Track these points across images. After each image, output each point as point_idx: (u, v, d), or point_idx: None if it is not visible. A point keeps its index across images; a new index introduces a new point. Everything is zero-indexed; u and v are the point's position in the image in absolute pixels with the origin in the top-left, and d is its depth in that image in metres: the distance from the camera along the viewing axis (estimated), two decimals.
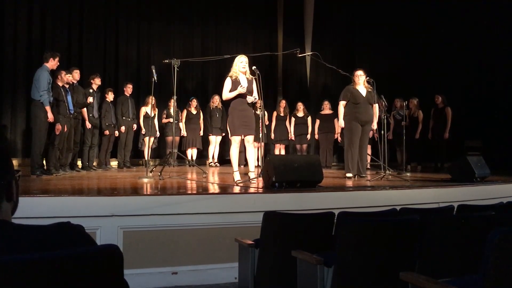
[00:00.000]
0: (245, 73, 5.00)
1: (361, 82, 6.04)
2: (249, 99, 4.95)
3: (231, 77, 4.97)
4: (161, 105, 9.26)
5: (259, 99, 5.11)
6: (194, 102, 9.27)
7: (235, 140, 4.97)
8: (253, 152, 5.12)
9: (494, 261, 1.42)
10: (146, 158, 7.28)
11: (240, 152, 5.46)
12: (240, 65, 4.98)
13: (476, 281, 1.55)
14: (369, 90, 6.04)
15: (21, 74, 8.56)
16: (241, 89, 4.84)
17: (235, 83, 4.93)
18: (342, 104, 6.08)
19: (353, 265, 2.06)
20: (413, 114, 8.59)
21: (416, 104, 8.60)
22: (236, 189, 4.45)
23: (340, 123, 6.15)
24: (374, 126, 6.22)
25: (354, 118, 5.92)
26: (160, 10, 10.22)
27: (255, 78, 5.03)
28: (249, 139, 5.00)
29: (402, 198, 4.21)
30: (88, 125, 7.15)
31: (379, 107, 6.47)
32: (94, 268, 0.98)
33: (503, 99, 8.66)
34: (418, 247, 2.18)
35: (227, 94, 4.96)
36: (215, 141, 9.31)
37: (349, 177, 5.88)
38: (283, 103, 9.51)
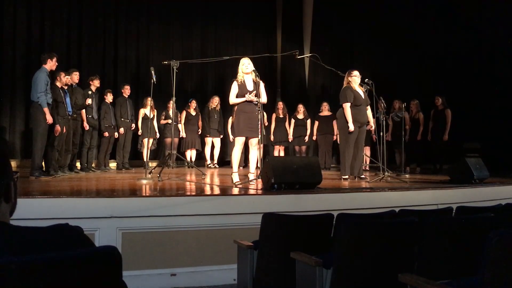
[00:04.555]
0: (249, 73, 5.01)
1: (358, 83, 6.03)
2: (252, 98, 4.93)
3: (237, 81, 4.99)
4: (160, 107, 9.26)
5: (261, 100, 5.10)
6: (193, 104, 9.28)
7: (238, 142, 4.99)
8: (256, 155, 5.13)
9: (493, 263, 1.42)
10: (145, 160, 7.27)
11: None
12: (243, 67, 5.01)
13: (474, 283, 1.55)
14: (363, 91, 6.04)
15: (20, 76, 8.55)
16: (248, 97, 4.88)
17: (242, 87, 4.96)
18: (348, 106, 5.84)
19: (352, 266, 2.06)
20: (414, 116, 8.60)
21: (417, 106, 8.61)
22: (235, 190, 4.45)
23: (350, 127, 5.81)
24: (373, 126, 6.21)
25: (352, 120, 5.90)
26: (159, 11, 10.23)
27: (261, 81, 5.04)
28: (253, 142, 5.01)
29: (401, 199, 4.21)
30: (86, 126, 7.15)
31: (378, 109, 6.47)
32: (93, 270, 0.98)
33: (502, 101, 8.67)
34: (416, 249, 2.19)
35: (233, 99, 4.99)
36: (211, 142, 9.32)
37: (345, 179, 5.88)
38: (280, 104, 9.53)
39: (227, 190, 4.59)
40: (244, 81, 4.98)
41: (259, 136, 4.95)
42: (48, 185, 4.78)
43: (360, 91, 6.00)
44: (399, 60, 10.27)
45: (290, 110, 9.57)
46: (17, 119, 8.61)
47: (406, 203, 3.83)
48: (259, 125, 4.98)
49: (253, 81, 5.01)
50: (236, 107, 5.02)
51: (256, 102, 4.98)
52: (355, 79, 5.99)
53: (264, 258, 2.54)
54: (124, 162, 8.24)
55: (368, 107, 6.13)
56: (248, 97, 4.89)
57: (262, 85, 5.03)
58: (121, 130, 8.04)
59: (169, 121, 8.65)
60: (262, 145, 5.55)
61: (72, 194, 3.85)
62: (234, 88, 4.99)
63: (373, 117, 6.32)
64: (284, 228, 2.54)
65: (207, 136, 9.30)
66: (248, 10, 11.01)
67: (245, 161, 8.57)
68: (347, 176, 5.91)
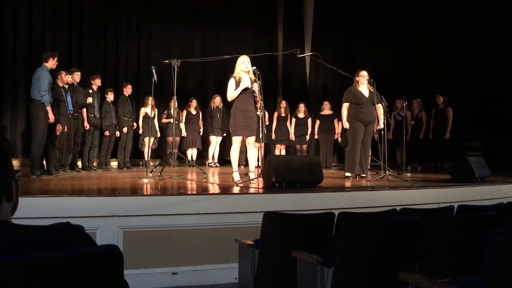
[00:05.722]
0: (247, 72, 5.00)
1: (365, 83, 6.07)
2: (247, 83, 4.91)
3: (234, 77, 4.98)
4: (161, 106, 9.26)
5: (260, 99, 5.09)
6: (193, 103, 9.27)
7: (236, 141, 4.97)
8: (254, 153, 5.12)
9: (494, 262, 1.42)
10: (146, 159, 7.28)
11: (240, 152, 5.46)
12: (242, 65, 4.99)
13: (476, 282, 1.55)
14: (371, 90, 6.06)
15: (21, 75, 8.56)
16: (243, 84, 4.86)
17: (239, 84, 4.94)
18: (345, 106, 6.09)
19: (353, 265, 2.06)
20: (417, 115, 8.58)
21: (419, 105, 8.60)
22: (236, 189, 4.45)
23: (344, 124, 6.12)
24: (381, 125, 6.23)
25: (357, 119, 5.95)
26: (160, 10, 10.23)
27: (257, 80, 5.03)
28: (250, 141, 5.00)
29: (402, 198, 4.21)
30: (87, 126, 7.14)
31: None
32: (94, 269, 0.98)
33: (503, 99, 8.66)
34: (418, 248, 2.18)
35: (231, 93, 4.96)
36: (215, 141, 9.31)
37: (348, 176, 5.92)
38: (283, 103, 9.51)
39: (228, 189, 4.59)
40: (241, 78, 4.97)
41: (260, 135, 4.94)
42: (49, 184, 4.79)
43: (366, 90, 6.05)
44: (400, 59, 10.26)
45: (291, 109, 9.57)
46: (18, 118, 8.62)
47: (407, 202, 3.82)
48: (259, 124, 4.97)
49: (250, 79, 5.00)
50: (233, 105, 5.01)
51: (255, 95, 4.97)
52: (361, 79, 6.08)
53: (265, 257, 2.54)
54: (125, 161, 8.24)
55: (379, 107, 6.14)
56: (242, 84, 4.86)
57: (258, 84, 5.02)
58: (124, 129, 8.04)
59: (171, 120, 8.65)
60: (263, 144, 5.55)
61: (74, 193, 3.86)
62: (232, 84, 4.97)
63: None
64: (285, 227, 2.54)
65: (211, 135, 9.29)
66: (249, 8, 11.00)
67: (245, 159, 8.57)
68: (349, 174, 5.94)
